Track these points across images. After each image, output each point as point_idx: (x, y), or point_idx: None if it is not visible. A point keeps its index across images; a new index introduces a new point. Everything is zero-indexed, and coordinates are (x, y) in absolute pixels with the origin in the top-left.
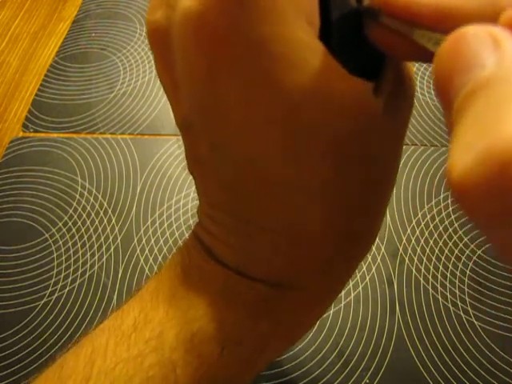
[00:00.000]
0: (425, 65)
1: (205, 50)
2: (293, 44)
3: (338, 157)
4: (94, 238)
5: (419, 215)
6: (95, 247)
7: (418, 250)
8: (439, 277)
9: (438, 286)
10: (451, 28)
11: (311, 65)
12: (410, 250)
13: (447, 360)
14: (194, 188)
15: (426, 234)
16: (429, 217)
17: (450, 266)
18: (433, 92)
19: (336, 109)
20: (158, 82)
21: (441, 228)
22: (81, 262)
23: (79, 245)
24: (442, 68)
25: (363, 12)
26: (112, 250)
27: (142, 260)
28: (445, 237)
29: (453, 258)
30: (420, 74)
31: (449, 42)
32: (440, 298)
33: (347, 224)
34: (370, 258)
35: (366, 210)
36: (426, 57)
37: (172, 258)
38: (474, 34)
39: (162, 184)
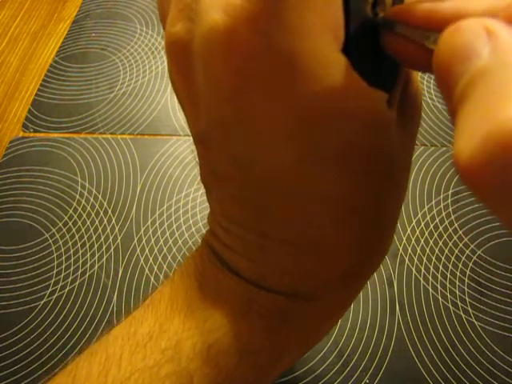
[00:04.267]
0: None
1: (234, 66)
2: (320, 59)
3: (357, 167)
4: (94, 238)
5: (419, 215)
6: (95, 247)
7: (418, 250)
8: (439, 277)
9: (438, 286)
10: None
11: (336, 79)
12: (410, 250)
13: (447, 360)
14: (194, 188)
15: (426, 234)
16: (429, 217)
17: (450, 266)
18: (433, 93)
19: (356, 119)
20: (158, 81)
21: (441, 228)
22: (81, 262)
23: (79, 245)
24: (442, 59)
25: (379, 22)
26: (112, 250)
27: (142, 260)
28: (445, 237)
29: (453, 258)
30: (420, 74)
31: (446, 35)
32: (440, 298)
33: (364, 234)
34: None
35: (381, 219)
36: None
37: (184, 266)
38: (469, 25)
39: (162, 184)
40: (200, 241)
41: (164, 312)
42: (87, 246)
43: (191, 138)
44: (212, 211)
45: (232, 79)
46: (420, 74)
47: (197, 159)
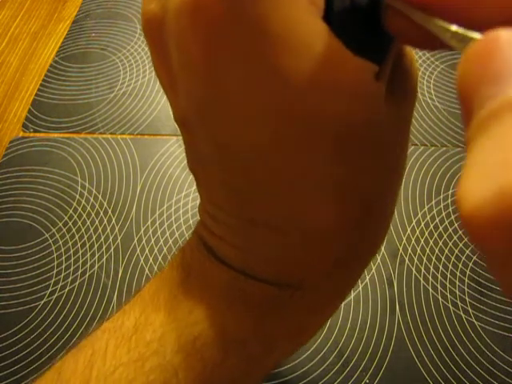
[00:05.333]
0: (425, 65)
1: (201, 36)
2: (293, 26)
3: (344, 145)
4: (94, 238)
5: (419, 215)
6: (95, 247)
7: (418, 250)
8: (439, 277)
9: (438, 286)
10: (477, 19)
11: (315, 47)
12: (410, 250)
13: (447, 360)
14: (194, 188)
15: (426, 234)
16: (429, 217)
17: (450, 266)
18: (433, 93)
19: (341, 92)
20: (158, 81)
21: (441, 228)
22: (81, 262)
23: (79, 245)
24: (468, 73)
25: None
26: (112, 250)
27: (142, 260)
28: (445, 237)
29: (453, 258)
30: (420, 74)
31: (479, 45)
32: (440, 298)
33: (356, 220)
34: None
35: (373, 205)
36: (435, 44)
37: (174, 258)
38: (509, 40)
39: (162, 184)
40: None
41: (150, 304)
42: (87, 246)
43: None
44: (201, 200)
45: (200, 51)
46: (420, 73)
47: (182, 143)
